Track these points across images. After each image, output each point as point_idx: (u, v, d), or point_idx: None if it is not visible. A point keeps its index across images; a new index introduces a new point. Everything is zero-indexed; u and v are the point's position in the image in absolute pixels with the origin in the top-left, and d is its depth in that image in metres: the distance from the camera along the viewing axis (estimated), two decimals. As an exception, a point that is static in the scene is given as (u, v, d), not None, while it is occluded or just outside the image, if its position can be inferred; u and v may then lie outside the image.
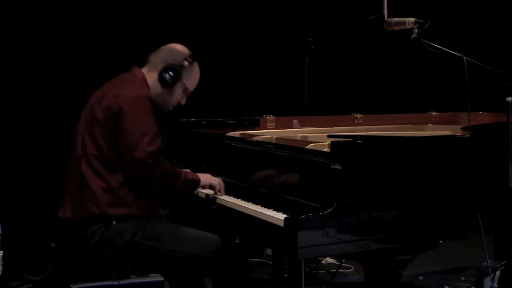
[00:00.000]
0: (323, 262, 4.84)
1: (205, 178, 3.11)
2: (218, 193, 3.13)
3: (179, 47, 3.08)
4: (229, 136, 3.52)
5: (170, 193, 3.08)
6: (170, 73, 3.00)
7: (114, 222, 2.83)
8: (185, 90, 3.08)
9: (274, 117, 3.87)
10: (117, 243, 2.82)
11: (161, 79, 3.01)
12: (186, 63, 3.02)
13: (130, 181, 2.86)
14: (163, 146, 2.91)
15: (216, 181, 3.13)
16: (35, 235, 4.39)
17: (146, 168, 2.83)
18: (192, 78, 3.08)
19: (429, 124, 4.18)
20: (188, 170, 3.18)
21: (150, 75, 3.03)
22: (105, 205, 2.83)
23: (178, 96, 3.08)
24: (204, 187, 3.13)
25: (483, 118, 3.93)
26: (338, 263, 4.49)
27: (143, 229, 2.86)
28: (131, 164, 2.83)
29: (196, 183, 3.07)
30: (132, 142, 2.81)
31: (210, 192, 3.18)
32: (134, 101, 2.86)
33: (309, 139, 3.27)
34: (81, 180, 2.87)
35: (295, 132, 3.67)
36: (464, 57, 3.08)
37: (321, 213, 2.54)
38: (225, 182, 3.17)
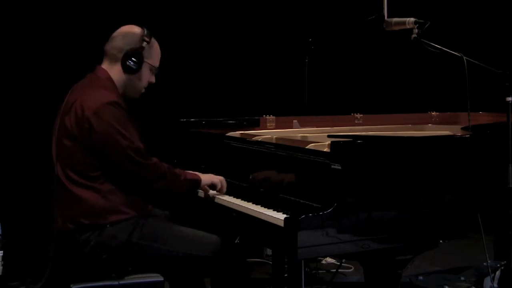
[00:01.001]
0: (323, 262, 4.84)
1: (206, 177, 3.10)
2: (218, 193, 3.13)
3: (131, 28, 2.96)
4: (229, 136, 3.51)
5: (171, 195, 3.07)
6: (133, 58, 2.90)
7: (108, 226, 2.81)
8: (151, 68, 2.99)
9: (274, 117, 3.86)
10: (113, 245, 2.80)
11: (125, 68, 2.91)
12: (145, 43, 2.92)
13: (119, 186, 2.83)
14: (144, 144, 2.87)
15: (217, 178, 3.12)
16: (35, 235, 4.39)
17: (140, 168, 2.80)
18: (154, 54, 2.99)
19: (429, 124, 4.17)
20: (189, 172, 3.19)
21: (113, 68, 2.94)
22: (96, 215, 2.79)
23: (146, 77, 2.99)
24: (204, 187, 3.13)
25: (483, 118, 3.93)
26: (338, 263, 4.49)
27: (140, 228, 2.85)
28: (124, 172, 2.81)
29: (197, 183, 3.06)
30: (115, 153, 2.77)
31: (212, 192, 3.18)
32: (101, 111, 2.76)
33: (309, 139, 3.27)
34: (67, 193, 2.83)
35: (295, 132, 3.67)
36: (464, 57, 3.08)
37: (321, 213, 2.54)
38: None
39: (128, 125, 2.82)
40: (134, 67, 2.91)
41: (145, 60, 2.94)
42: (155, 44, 3.01)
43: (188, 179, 3.00)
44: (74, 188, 2.81)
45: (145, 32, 2.96)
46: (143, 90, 3.03)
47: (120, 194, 2.83)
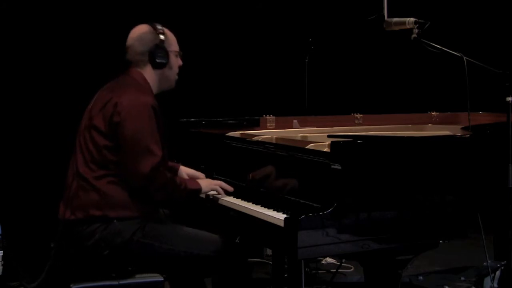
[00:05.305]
0: (323, 262, 4.84)
1: (206, 184, 3.09)
2: (220, 195, 3.14)
3: (140, 29, 3.02)
4: (229, 136, 3.52)
5: (170, 201, 3.07)
6: (158, 54, 2.99)
7: (115, 221, 2.83)
8: (176, 54, 3.08)
9: (274, 117, 3.87)
10: (117, 241, 2.81)
11: (156, 65, 3.00)
12: (161, 36, 3.00)
13: (130, 186, 2.86)
14: (166, 153, 2.90)
15: (217, 185, 3.13)
16: (35, 235, 4.39)
17: (147, 181, 2.82)
18: (172, 41, 3.07)
19: (429, 124, 4.18)
20: (190, 171, 3.19)
21: (144, 70, 3.01)
22: (106, 207, 2.82)
23: (175, 63, 3.08)
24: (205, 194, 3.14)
25: (483, 118, 3.93)
26: (338, 263, 4.49)
27: (143, 228, 2.86)
28: (133, 177, 2.83)
29: (198, 192, 3.06)
30: (135, 155, 2.81)
31: (212, 192, 3.18)
32: (133, 109, 2.83)
33: (309, 139, 3.27)
34: (81, 184, 2.86)
35: (295, 132, 3.67)
36: (464, 57, 3.08)
37: (321, 213, 2.54)
38: (225, 182, 3.17)
39: (154, 130, 2.85)
40: (164, 60, 3.01)
41: (168, 49, 3.03)
42: (168, 31, 3.08)
43: (188, 188, 3.00)
44: (90, 179, 2.84)
45: (154, 25, 3.02)
46: (176, 77, 3.12)
47: (130, 193, 2.85)
